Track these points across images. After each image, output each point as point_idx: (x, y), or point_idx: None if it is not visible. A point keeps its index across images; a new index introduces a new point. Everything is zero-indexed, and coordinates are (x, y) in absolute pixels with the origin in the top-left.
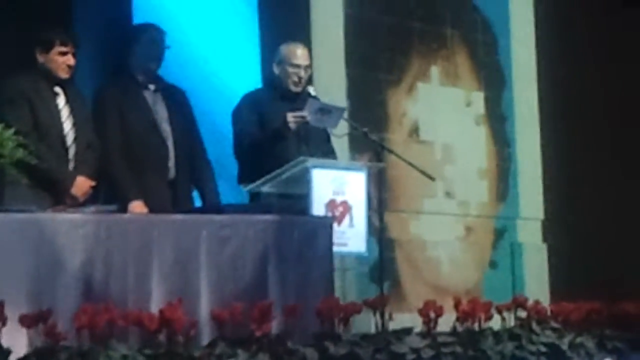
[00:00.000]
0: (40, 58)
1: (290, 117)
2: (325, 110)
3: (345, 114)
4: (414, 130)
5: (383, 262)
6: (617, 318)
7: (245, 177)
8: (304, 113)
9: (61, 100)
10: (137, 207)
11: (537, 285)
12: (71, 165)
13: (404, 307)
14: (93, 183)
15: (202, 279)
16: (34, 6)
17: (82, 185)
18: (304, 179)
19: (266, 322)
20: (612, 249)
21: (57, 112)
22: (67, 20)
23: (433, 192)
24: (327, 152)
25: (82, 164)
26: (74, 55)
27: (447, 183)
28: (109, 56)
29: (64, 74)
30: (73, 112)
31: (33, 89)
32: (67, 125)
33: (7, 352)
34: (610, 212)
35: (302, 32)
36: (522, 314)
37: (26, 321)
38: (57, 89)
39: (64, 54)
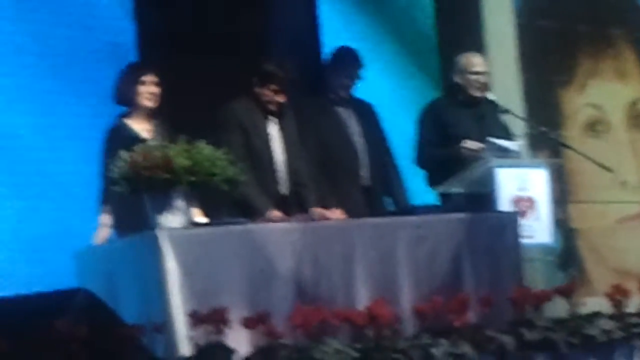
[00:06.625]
0: (256, 88)
1: (469, 144)
2: (502, 148)
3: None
4: (587, 126)
5: (570, 251)
6: None
7: (433, 180)
8: (480, 149)
9: (273, 127)
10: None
11: None
12: (282, 190)
13: (589, 292)
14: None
15: (402, 276)
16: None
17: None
18: (489, 179)
19: (464, 312)
20: None
21: (267, 139)
22: (266, 46)
23: (609, 182)
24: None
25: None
26: (285, 93)
27: (622, 172)
28: (303, 76)
29: (272, 108)
30: (285, 138)
31: (247, 116)
32: (278, 152)
33: (232, 351)
34: None
35: (477, 43)
36: None
37: (249, 323)
38: (271, 116)
39: (276, 92)
